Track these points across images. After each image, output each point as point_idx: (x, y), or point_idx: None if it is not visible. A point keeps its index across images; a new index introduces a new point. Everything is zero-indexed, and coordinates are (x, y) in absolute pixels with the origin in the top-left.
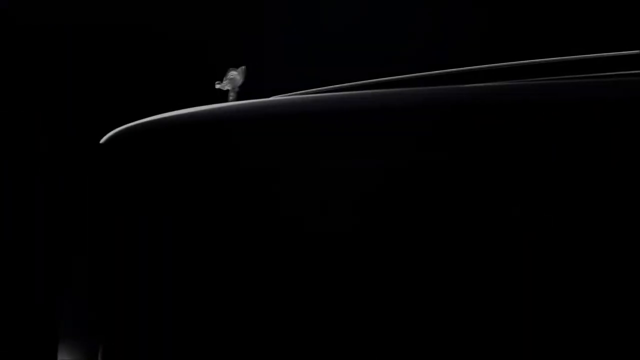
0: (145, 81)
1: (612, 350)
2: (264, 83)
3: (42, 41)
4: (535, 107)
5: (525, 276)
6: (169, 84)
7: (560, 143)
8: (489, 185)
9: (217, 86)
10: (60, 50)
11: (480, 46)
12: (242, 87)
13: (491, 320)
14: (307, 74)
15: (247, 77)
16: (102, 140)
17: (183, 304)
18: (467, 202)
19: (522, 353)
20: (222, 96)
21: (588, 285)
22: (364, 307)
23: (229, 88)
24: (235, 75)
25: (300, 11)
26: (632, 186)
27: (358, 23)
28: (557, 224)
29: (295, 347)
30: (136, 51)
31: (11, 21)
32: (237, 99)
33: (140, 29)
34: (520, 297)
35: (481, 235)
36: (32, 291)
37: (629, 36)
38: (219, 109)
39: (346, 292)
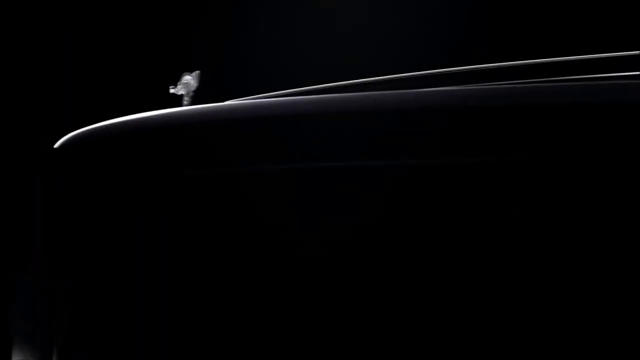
0: (145, 81)
1: (612, 350)
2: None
3: (42, 41)
4: (531, 110)
5: (526, 277)
6: (168, 84)
7: (560, 146)
8: (485, 189)
9: (172, 91)
10: (60, 50)
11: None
12: (196, 91)
13: (507, 322)
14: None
15: (201, 81)
16: (56, 145)
17: (180, 305)
18: (466, 205)
19: (523, 353)
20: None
21: (593, 286)
22: (364, 307)
23: (183, 92)
24: (189, 80)
25: (262, 15)
26: (633, 189)
27: (318, 29)
28: (560, 227)
29: (295, 348)
30: (136, 51)
31: (11, 21)
32: (192, 103)
33: (140, 29)
34: (526, 298)
35: (480, 239)
36: (32, 291)
37: (629, 36)
38: (172, 113)
39: (344, 292)
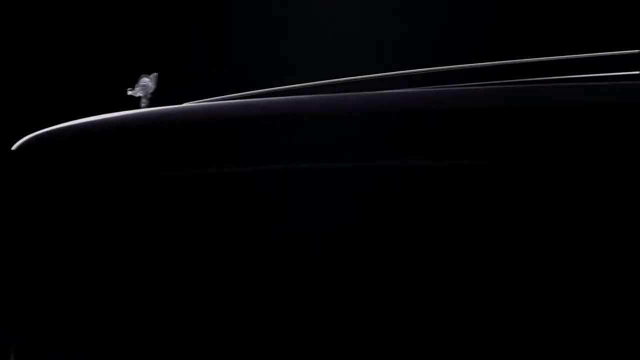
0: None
1: (612, 350)
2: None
3: (42, 41)
4: (530, 111)
5: (527, 278)
6: (168, 83)
7: (560, 146)
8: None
9: (129, 93)
10: (60, 50)
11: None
12: (154, 93)
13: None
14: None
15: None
16: (14, 147)
17: (180, 305)
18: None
19: (523, 353)
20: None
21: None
22: (361, 307)
23: (141, 95)
24: (147, 82)
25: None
26: (633, 189)
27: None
28: (560, 227)
29: (295, 347)
30: (136, 51)
31: (11, 21)
32: (149, 105)
33: (139, 29)
34: (526, 298)
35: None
36: (32, 291)
37: (629, 36)
38: (129, 115)
39: (339, 291)
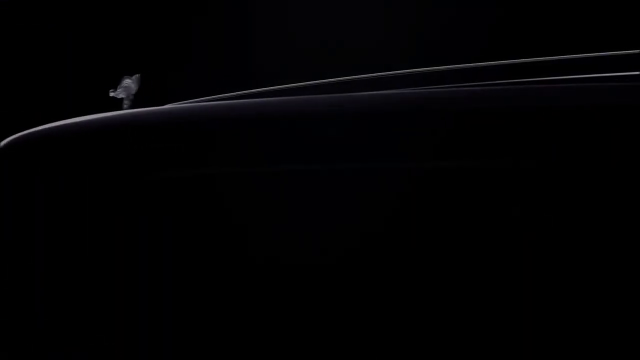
0: (145, 81)
1: (612, 350)
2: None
3: (42, 41)
4: (529, 111)
5: (526, 280)
6: (168, 84)
7: (560, 147)
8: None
9: (112, 94)
10: (60, 50)
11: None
12: (136, 94)
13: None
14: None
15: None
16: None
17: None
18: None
19: (523, 353)
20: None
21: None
22: (360, 308)
23: (123, 96)
24: (129, 83)
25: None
26: (633, 190)
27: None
28: (560, 228)
29: (295, 347)
30: (136, 51)
31: (11, 21)
32: (132, 107)
33: (140, 29)
34: (526, 301)
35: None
36: (31, 292)
37: (629, 36)
38: (112, 117)
39: (344, 291)
